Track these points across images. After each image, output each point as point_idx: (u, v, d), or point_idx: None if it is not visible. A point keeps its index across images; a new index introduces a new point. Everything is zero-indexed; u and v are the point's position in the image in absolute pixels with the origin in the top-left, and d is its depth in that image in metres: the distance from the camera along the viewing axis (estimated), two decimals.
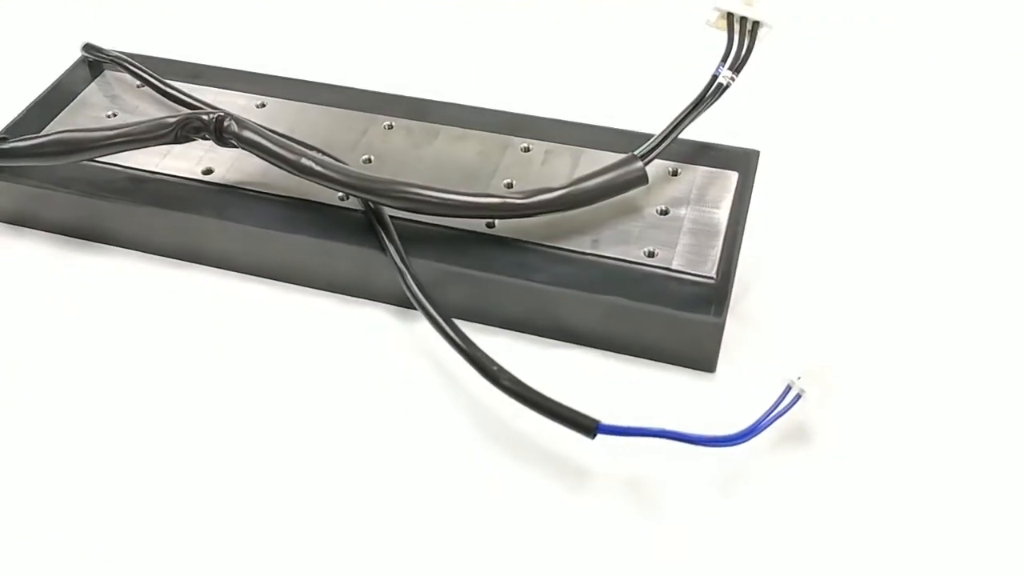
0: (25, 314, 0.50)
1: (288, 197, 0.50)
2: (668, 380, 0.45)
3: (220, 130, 0.48)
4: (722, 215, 0.48)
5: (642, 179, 0.47)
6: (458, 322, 0.44)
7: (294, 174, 0.47)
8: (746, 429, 0.39)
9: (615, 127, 0.53)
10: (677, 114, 0.48)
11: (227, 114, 0.48)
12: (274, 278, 0.51)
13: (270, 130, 0.50)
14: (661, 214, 0.48)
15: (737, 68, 0.48)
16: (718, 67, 0.49)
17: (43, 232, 0.54)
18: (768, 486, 0.41)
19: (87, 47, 0.58)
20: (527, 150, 0.52)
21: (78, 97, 0.57)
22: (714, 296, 0.44)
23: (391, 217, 0.48)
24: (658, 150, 0.47)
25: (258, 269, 0.51)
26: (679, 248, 0.46)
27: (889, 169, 0.56)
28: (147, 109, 0.56)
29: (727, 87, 0.48)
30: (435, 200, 0.46)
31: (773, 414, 0.40)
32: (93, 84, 0.58)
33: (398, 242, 0.46)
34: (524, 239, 0.47)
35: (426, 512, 0.41)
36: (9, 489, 0.43)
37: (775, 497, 0.41)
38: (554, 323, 0.47)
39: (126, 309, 0.50)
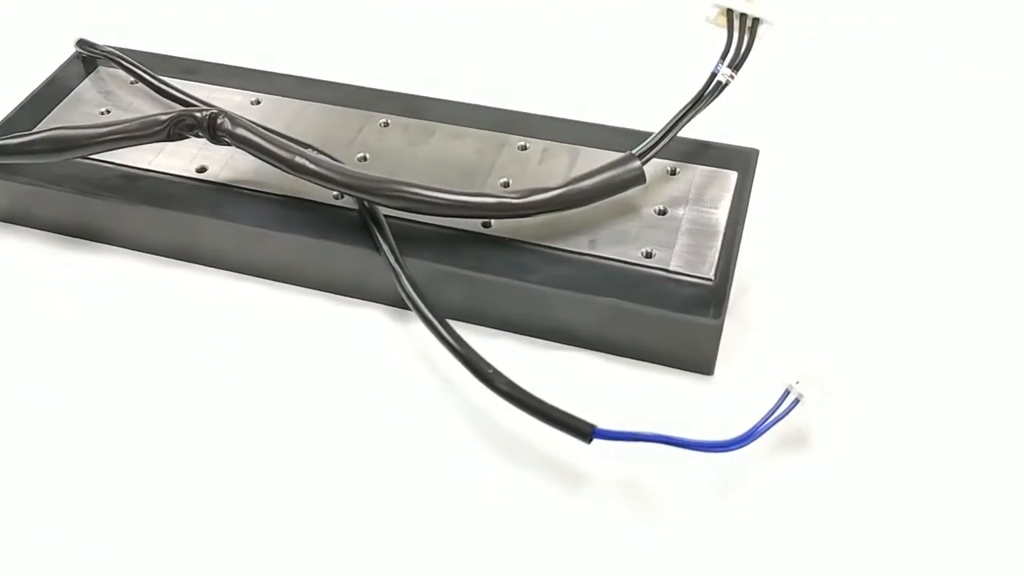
0: (19, 313, 0.50)
1: (283, 196, 0.50)
2: (666, 382, 0.45)
3: (213, 128, 0.48)
4: (721, 215, 0.47)
5: (640, 179, 0.46)
6: (454, 323, 0.44)
7: (288, 172, 0.47)
8: (743, 434, 0.39)
9: (613, 125, 0.52)
10: (675, 112, 0.47)
11: (221, 111, 0.48)
12: (268, 277, 0.50)
13: (264, 127, 0.49)
14: (659, 214, 0.47)
15: (736, 66, 0.48)
16: (717, 64, 0.48)
17: (37, 230, 0.53)
18: (766, 490, 0.40)
19: (81, 43, 0.58)
20: (524, 148, 0.51)
21: (71, 93, 0.56)
22: (712, 298, 0.44)
23: (386, 216, 0.47)
24: (656, 149, 0.47)
25: (252, 268, 0.50)
26: (677, 249, 0.46)
27: (889, 169, 0.55)
28: (141, 106, 0.55)
29: (726, 85, 0.48)
30: (431, 200, 0.45)
31: (771, 419, 0.39)
32: (87, 80, 0.57)
33: (392, 242, 0.46)
34: (520, 239, 0.47)
35: (421, 515, 0.41)
36: (5, 489, 0.42)
37: (773, 501, 0.40)
38: (551, 324, 0.46)
39: (120, 308, 0.49)
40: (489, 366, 0.41)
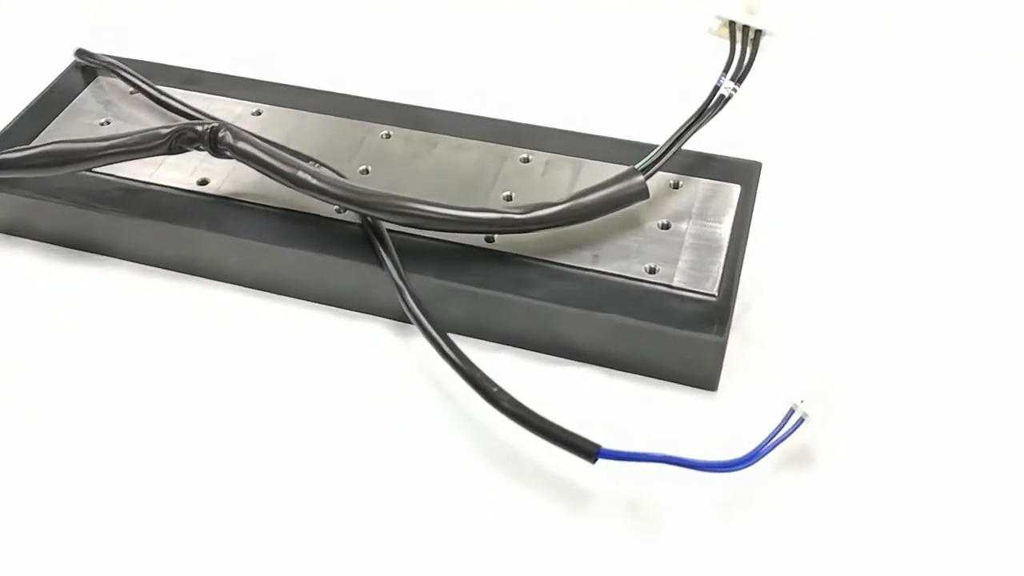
0: (18, 325, 0.49)
1: (285, 209, 0.49)
2: (669, 398, 0.45)
3: (215, 141, 0.47)
4: (724, 230, 0.47)
5: (643, 193, 0.46)
6: (457, 338, 0.44)
7: (290, 187, 0.47)
8: (748, 454, 0.39)
9: (615, 136, 0.52)
10: (679, 126, 0.47)
11: (222, 124, 0.48)
12: (270, 290, 0.50)
13: (266, 140, 0.49)
14: (662, 228, 0.47)
15: (739, 79, 0.48)
16: (720, 78, 0.48)
17: (37, 242, 0.53)
18: (771, 509, 0.40)
19: (80, 52, 0.57)
20: (526, 161, 0.51)
21: (71, 104, 0.56)
22: (716, 314, 0.44)
23: (389, 231, 0.47)
24: (659, 164, 0.47)
25: (254, 281, 0.50)
26: (680, 264, 0.46)
27: (893, 181, 0.55)
28: (141, 116, 0.55)
29: (729, 98, 0.47)
30: (434, 215, 0.45)
31: (776, 438, 0.39)
32: (86, 90, 0.57)
33: (396, 257, 0.46)
34: (523, 254, 0.47)
35: (423, 533, 0.41)
36: (8, 504, 0.42)
37: (778, 520, 0.40)
38: (554, 339, 0.46)
39: (120, 320, 0.49)
40: (494, 385, 0.41)
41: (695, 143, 0.48)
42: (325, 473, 0.43)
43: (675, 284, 0.45)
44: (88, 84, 0.57)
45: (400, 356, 0.47)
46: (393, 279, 0.45)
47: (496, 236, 0.47)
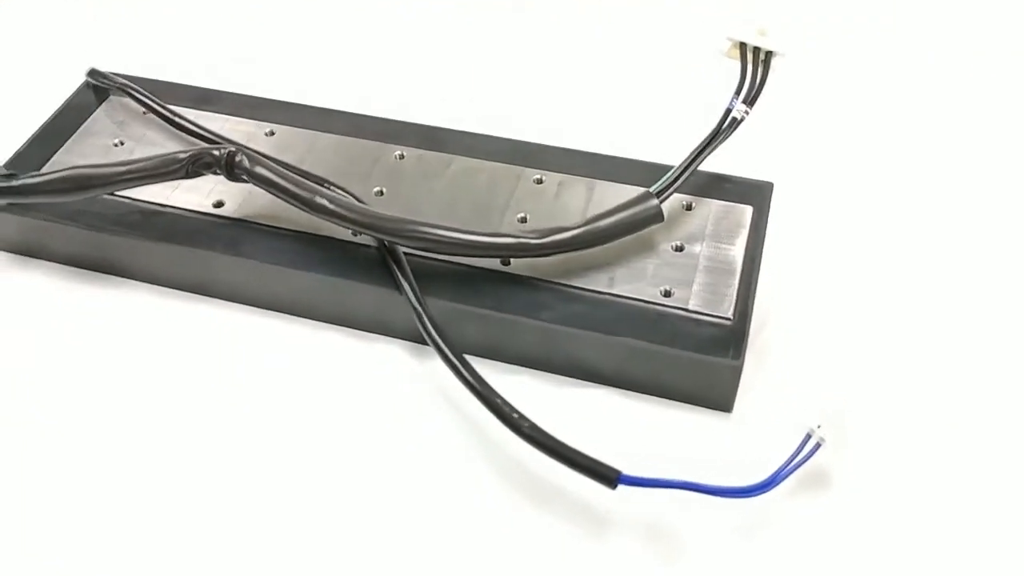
0: (35, 346, 0.50)
1: (300, 231, 0.50)
2: (684, 419, 0.45)
3: (231, 166, 0.48)
4: (737, 252, 0.47)
5: (658, 217, 0.46)
6: (472, 359, 0.44)
7: (307, 212, 0.47)
8: (766, 480, 0.39)
9: (626, 156, 0.52)
10: (692, 149, 0.48)
11: (238, 149, 0.48)
12: (286, 312, 0.50)
13: (281, 163, 0.49)
14: (676, 250, 0.48)
15: (751, 101, 0.48)
16: (732, 100, 0.48)
17: (52, 263, 0.53)
18: (789, 532, 0.41)
19: (92, 73, 0.57)
20: (540, 182, 0.51)
21: (83, 125, 0.56)
22: (731, 338, 0.44)
23: (405, 253, 0.47)
24: (674, 187, 0.47)
25: (270, 303, 0.50)
26: (695, 287, 0.46)
27: (903, 199, 0.56)
28: (154, 137, 0.55)
29: (742, 121, 0.48)
30: (451, 240, 0.46)
31: (793, 463, 0.40)
32: (98, 111, 0.57)
33: (413, 281, 0.46)
34: (539, 277, 0.47)
35: (442, 558, 0.41)
36: (18, 522, 0.43)
37: (797, 544, 0.41)
38: (569, 362, 0.46)
39: (136, 342, 0.50)
40: (514, 411, 0.41)
41: (706, 163, 0.48)
42: (344, 495, 0.43)
43: (690, 307, 0.45)
44: (100, 104, 0.57)
45: (416, 377, 0.48)
46: (411, 303, 0.45)
47: (512, 259, 0.47)
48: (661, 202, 0.47)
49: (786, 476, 0.40)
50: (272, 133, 0.55)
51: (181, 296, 0.51)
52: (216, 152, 0.48)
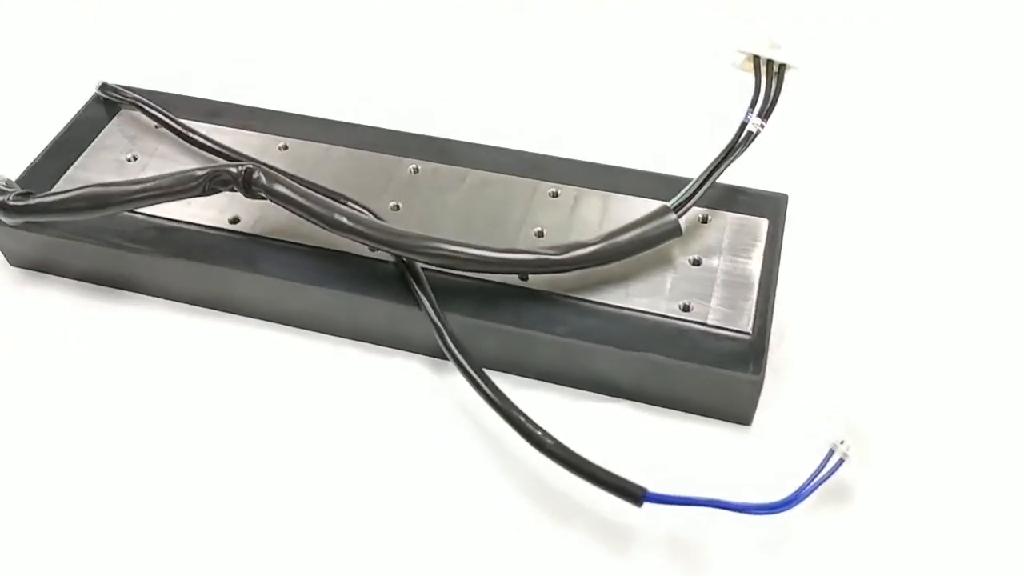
0: (52, 363, 0.50)
1: (317, 247, 0.50)
2: (704, 433, 0.46)
3: (249, 183, 0.48)
4: (754, 265, 0.48)
5: (676, 231, 0.47)
6: (490, 373, 0.44)
7: (326, 229, 0.47)
8: (791, 496, 0.40)
9: (640, 168, 0.52)
10: (708, 163, 0.48)
11: (255, 166, 0.48)
12: (302, 327, 0.50)
13: (297, 179, 0.49)
14: (693, 264, 0.48)
15: (766, 114, 0.48)
16: (747, 114, 0.48)
17: (66, 279, 0.53)
18: (812, 547, 0.41)
19: (103, 87, 0.57)
20: (555, 195, 0.51)
21: (95, 140, 0.56)
22: (751, 353, 0.44)
23: (423, 268, 0.48)
24: (691, 202, 0.47)
25: (287, 319, 0.51)
26: (713, 302, 0.46)
27: (917, 207, 0.56)
28: (167, 151, 0.55)
29: (757, 134, 0.48)
30: (473, 257, 0.46)
31: (817, 479, 0.40)
32: (110, 125, 0.57)
33: (433, 297, 0.46)
34: (557, 292, 0.47)
35: (464, 575, 0.41)
36: (31, 543, 0.43)
37: (820, 557, 0.41)
38: (587, 376, 0.47)
39: (154, 358, 0.50)
40: (538, 428, 0.42)
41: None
42: (365, 511, 0.43)
43: (709, 322, 0.46)
44: (111, 117, 0.57)
45: (435, 392, 0.48)
46: (431, 319, 0.46)
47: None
48: (679, 216, 0.47)
49: (810, 492, 0.40)
50: (286, 147, 0.55)
51: (198, 312, 0.52)
52: (233, 169, 0.48)
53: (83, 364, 0.50)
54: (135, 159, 0.55)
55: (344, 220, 0.46)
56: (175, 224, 0.51)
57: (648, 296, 0.47)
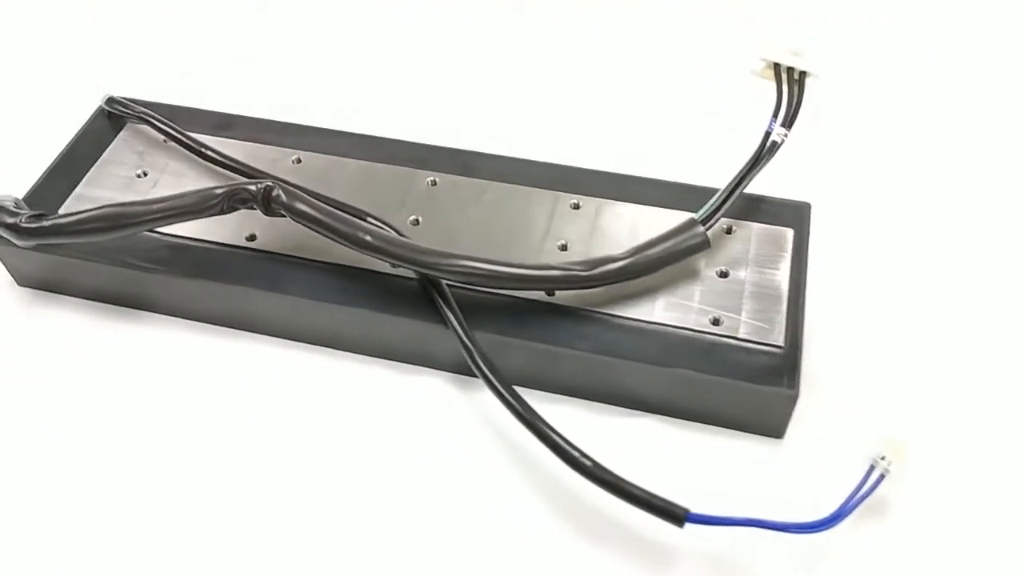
0: (66, 386, 0.49)
1: (336, 264, 0.49)
2: (736, 447, 0.45)
3: (268, 201, 0.47)
4: (782, 276, 0.47)
5: (704, 244, 0.46)
6: (518, 389, 0.44)
7: (349, 247, 0.46)
8: (833, 514, 0.39)
9: (659, 178, 0.52)
10: (734, 175, 0.47)
11: (275, 183, 0.47)
12: (323, 345, 0.50)
13: (316, 196, 0.48)
14: (721, 276, 0.48)
15: (789, 123, 0.48)
16: (770, 123, 0.48)
17: (77, 299, 0.52)
18: (853, 565, 0.41)
19: (110, 101, 0.56)
20: (576, 207, 0.51)
21: (102, 156, 0.55)
22: (784, 366, 0.44)
23: (448, 285, 0.47)
24: (719, 213, 0.47)
25: (306, 337, 0.50)
26: (744, 315, 0.46)
27: (939, 211, 0.55)
28: (178, 167, 0.54)
29: (781, 144, 0.48)
30: (501, 274, 0.45)
31: (858, 496, 0.40)
32: (117, 140, 0.56)
33: (460, 316, 0.45)
34: (584, 307, 0.47)
35: None
36: (47, 571, 0.42)
37: (862, 574, 0.41)
38: (616, 391, 0.46)
39: (170, 378, 0.49)
40: (574, 447, 0.41)
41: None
42: (393, 536, 0.43)
43: (740, 335, 0.45)
44: (116, 132, 0.56)
45: (462, 409, 0.47)
46: (460, 339, 0.45)
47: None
48: (707, 229, 0.46)
49: (852, 509, 0.40)
50: (299, 160, 0.54)
51: (214, 331, 0.51)
52: (252, 187, 0.47)
53: (98, 387, 0.49)
54: (145, 175, 0.54)
55: (369, 239, 0.46)
56: (190, 242, 0.50)
57: (676, 310, 0.46)
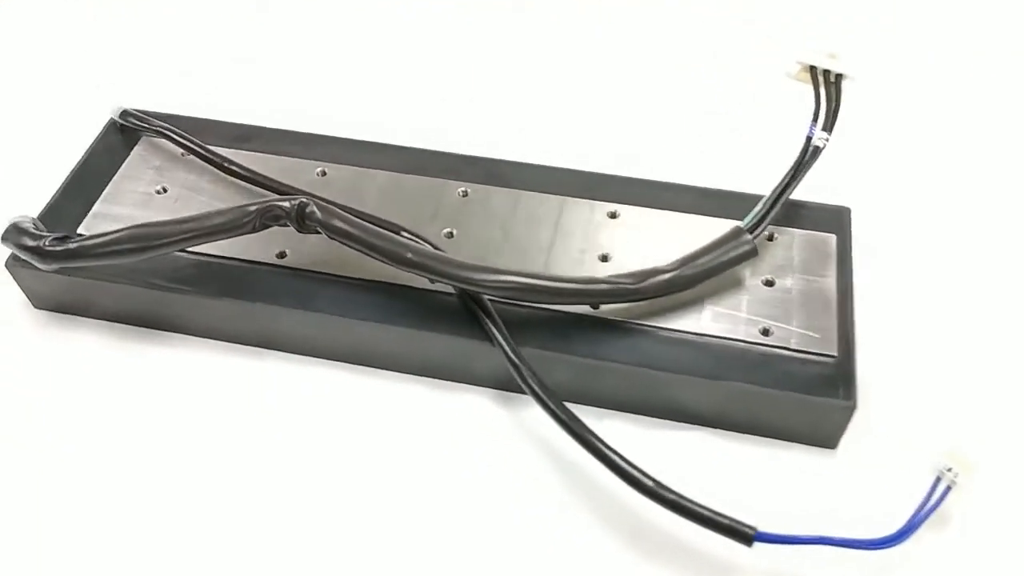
0: (85, 410, 0.47)
1: (370, 280, 0.48)
2: (788, 459, 0.45)
3: (302, 218, 0.45)
4: (829, 283, 0.47)
5: (752, 252, 0.46)
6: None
7: (389, 264, 0.45)
8: (902, 528, 0.39)
9: (695, 184, 0.51)
10: (778, 182, 0.47)
11: (309, 199, 0.46)
12: (358, 363, 0.48)
13: (349, 210, 0.47)
14: (767, 285, 0.47)
15: (830, 126, 0.47)
16: (810, 127, 0.47)
17: (98, 320, 0.50)
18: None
19: (123, 114, 0.54)
20: (614, 216, 0.50)
21: (118, 171, 0.53)
22: (839, 377, 0.43)
23: (491, 299, 0.46)
24: (765, 221, 0.46)
25: (341, 355, 0.48)
26: (794, 324, 0.45)
27: (984, 210, 0.55)
28: (198, 182, 0.52)
29: (823, 149, 0.47)
30: (547, 289, 0.44)
31: (926, 509, 0.39)
32: (132, 155, 0.54)
33: (507, 333, 0.44)
34: (630, 320, 0.46)
35: None
36: None
37: None
38: (666, 405, 0.45)
39: (199, 401, 0.47)
40: (634, 466, 0.40)
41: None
42: (452, 556, 0.42)
43: (792, 346, 0.45)
44: (130, 146, 0.54)
45: (507, 427, 0.46)
46: (507, 356, 0.44)
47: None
48: (754, 237, 0.46)
49: (920, 523, 0.39)
50: (324, 173, 0.52)
51: (244, 351, 0.49)
52: (285, 204, 0.45)
53: (123, 412, 0.47)
54: (165, 191, 0.52)
55: (411, 256, 0.44)
56: (217, 260, 0.49)
57: (724, 321, 0.46)
